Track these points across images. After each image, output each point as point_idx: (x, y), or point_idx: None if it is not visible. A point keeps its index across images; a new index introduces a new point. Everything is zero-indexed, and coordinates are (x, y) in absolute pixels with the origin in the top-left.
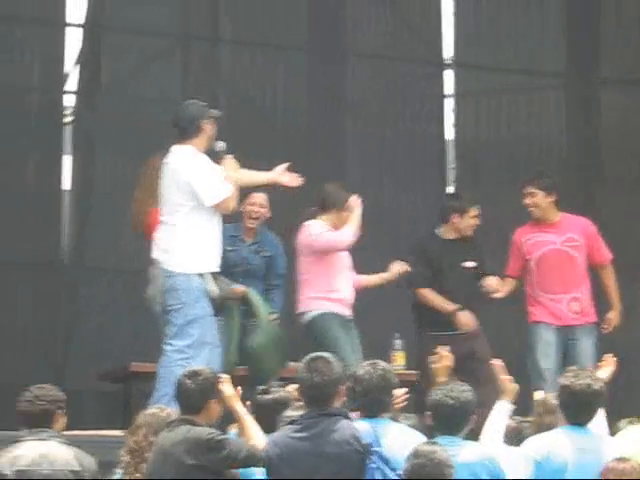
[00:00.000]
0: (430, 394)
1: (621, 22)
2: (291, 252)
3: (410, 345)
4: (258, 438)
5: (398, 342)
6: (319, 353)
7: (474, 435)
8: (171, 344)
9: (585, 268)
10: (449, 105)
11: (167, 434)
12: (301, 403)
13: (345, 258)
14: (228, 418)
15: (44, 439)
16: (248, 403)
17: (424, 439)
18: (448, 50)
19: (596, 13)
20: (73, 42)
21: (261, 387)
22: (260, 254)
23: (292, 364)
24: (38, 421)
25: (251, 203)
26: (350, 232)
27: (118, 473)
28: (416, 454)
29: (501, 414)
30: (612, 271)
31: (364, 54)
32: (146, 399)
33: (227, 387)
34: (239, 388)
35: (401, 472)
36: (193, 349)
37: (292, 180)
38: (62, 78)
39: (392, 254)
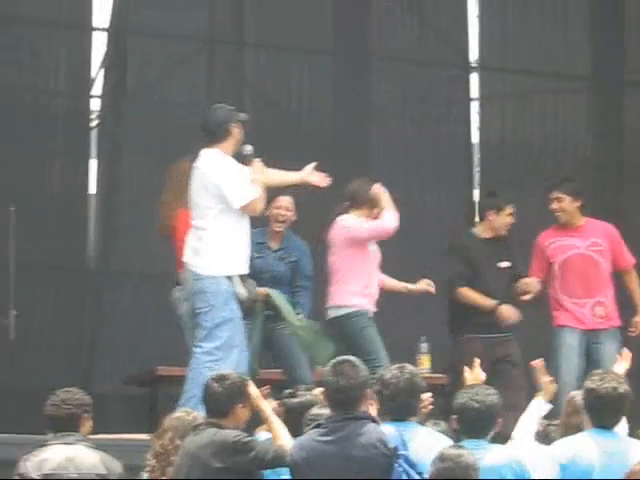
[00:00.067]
0: (456, 397)
1: None
2: (318, 254)
3: (436, 348)
4: (285, 439)
5: (424, 345)
6: (345, 356)
7: (504, 437)
8: (200, 346)
9: (609, 273)
10: (474, 108)
11: (193, 438)
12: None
13: (376, 254)
14: (255, 421)
15: (70, 443)
16: (274, 404)
17: (451, 443)
18: (473, 53)
19: (620, 15)
20: (99, 46)
21: (288, 390)
22: (285, 260)
23: (319, 368)
24: (64, 425)
25: (277, 207)
26: (392, 217)
27: (144, 477)
28: (442, 458)
29: (534, 414)
30: (636, 275)
31: (389, 57)
32: (172, 403)
33: (253, 388)
34: (264, 388)
35: (427, 476)
36: (222, 351)
37: (321, 180)
38: (88, 82)
39: (417, 255)
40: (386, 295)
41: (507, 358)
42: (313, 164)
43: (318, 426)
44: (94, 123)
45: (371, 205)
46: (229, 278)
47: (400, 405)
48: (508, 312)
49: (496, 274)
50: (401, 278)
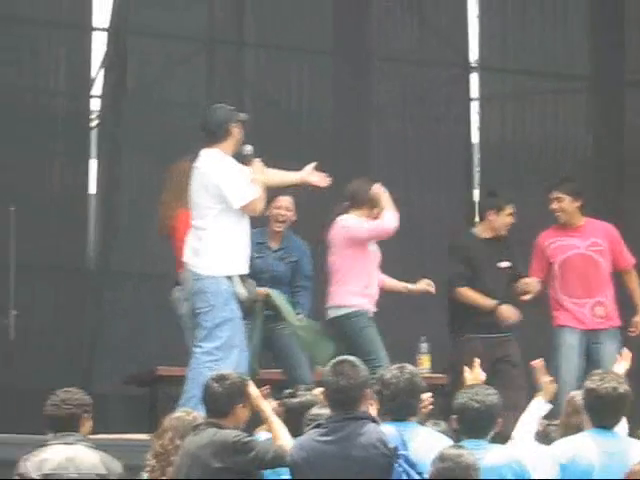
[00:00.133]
0: (456, 398)
1: None
2: (318, 254)
3: (436, 348)
4: (285, 439)
5: (424, 345)
6: (345, 357)
7: (504, 437)
8: (200, 346)
9: (609, 273)
10: (474, 108)
11: (193, 438)
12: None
13: (377, 255)
14: (255, 421)
15: (70, 443)
16: (274, 404)
17: (451, 443)
18: (473, 53)
19: (620, 15)
20: (99, 46)
21: (288, 390)
22: (285, 260)
23: (319, 368)
24: (64, 425)
25: (277, 207)
26: (392, 216)
27: (144, 477)
28: (442, 458)
29: (534, 414)
30: (636, 275)
31: (389, 57)
32: (172, 403)
33: (252, 388)
34: (264, 388)
35: (427, 476)
36: (222, 351)
37: (321, 180)
38: (88, 82)
39: (416, 255)
40: (386, 295)
41: (507, 358)
42: (313, 164)
43: (318, 426)
44: (94, 123)
45: (371, 205)
46: (229, 278)
47: (400, 405)
48: (508, 312)
49: (496, 274)
50: (401, 278)
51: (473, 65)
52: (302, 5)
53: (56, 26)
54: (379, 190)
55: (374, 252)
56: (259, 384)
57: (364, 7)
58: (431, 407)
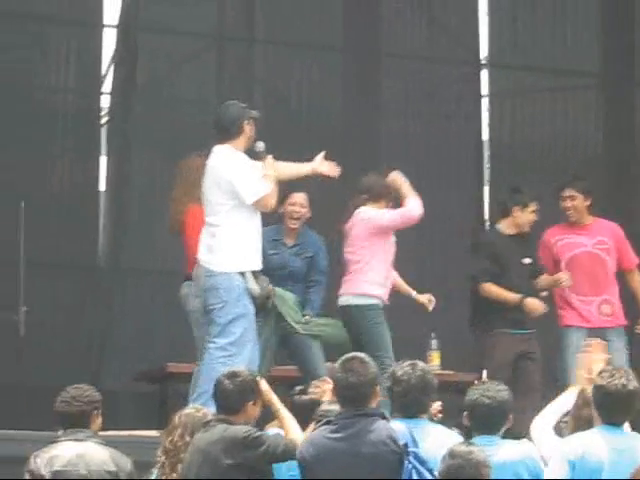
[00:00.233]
0: (467, 394)
1: None
2: (334, 249)
3: (444, 345)
4: (296, 432)
5: (434, 342)
6: (354, 353)
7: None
8: (214, 342)
9: (614, 271)
10: (484, 105)
11: (203, 434)
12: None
13: (394, 247)
14: (265, 418)
15: (80, 439)
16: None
17: (462, 440)
18: (483, 51)
19: (631, 13)
20: (109, 43)
21: (298, 387)
22: (301, 256)
23: (328, 364)
24: (75, 422)
25: (292, 203)
26: (416, 203)
27: (154, 473)
28: (452, 455)
29: (562, 405)
30: (639, 275)
31: (399, 54)
32: (182, 399)
33: (263, 383)
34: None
35: (437, 473)
36: (236, 347)
37: (331, 169)
38: (98, 79)
39: (426, 251)
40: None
41: (529, 355)
42: (322, 153)
43: (328, 423)
44: (104, 120)
45: (388, 198)
46: (242, 274)
47: (411, 402)
48: (534, 305)
49: (520, 271)
50: (410, 275)
51: (483, 62)
52: (312, 2)
53: (66, 23)
54: (398, 178)
55: (393, 244)
56: (273, 381)
57: (374, 4)
58: (440, 415)
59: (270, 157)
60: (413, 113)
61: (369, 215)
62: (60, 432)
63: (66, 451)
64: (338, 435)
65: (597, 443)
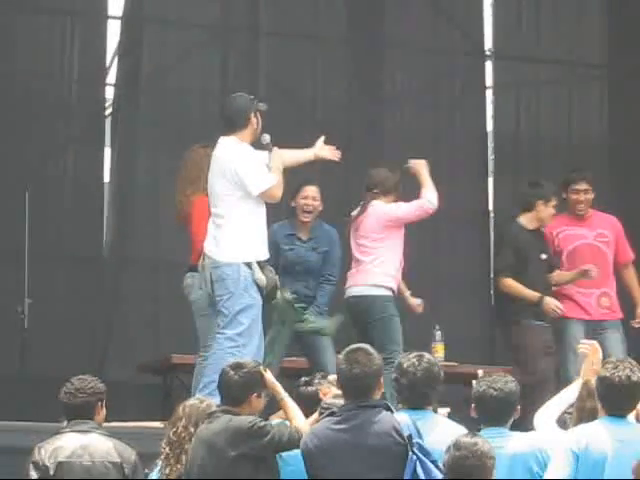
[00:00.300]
0: (474, 386)
1: None
2: (343, 243)
3: (447, 336)
4: (300, 420)
5: (438, 334)
6: (358, 344)
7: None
8: (223, 332)
9: (612, 265)
10: (489, 96)
11: (208, 425)
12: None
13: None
14: (270, 408)
15: (85, 431)
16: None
17: (466, 431)
18: (488, 41)
19: (636, 3)
20: (114, 34)
21: (304, 378)
22: (317, 250)
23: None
24: (79, 413)
25: (304, 197)
26: (432, 196)
27: (158, 465)
28: (457, 446)
29: (569, 397)
30: (634, 270)
31: (404, 46)
32: (186, 391)
33: (268, 373)
34: None
35: (441, 464)
36: (244, 337)
37: (332, 153)
38: (104, 70)
39: (431, 244)
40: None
41: (549, 347)
42: (322, 138)
43: (332, 414)
44: (109, 111)
45: (398, 192)
46: (248, 265)
47: (417, 394)
48: (555, 303)
49: (538, 266)
50: (415, 268)
51: (488, 54)
52: None
53: (72, 14)
54: (420, 165)
55: (403, 237)
56: (284, 372)
57: None
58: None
59: (276, 149)
60: (418, 104)
61: (384, 208)
62: (64, 423)
63: (70, 442)
64: (342, 426)
65: (601, 434)
